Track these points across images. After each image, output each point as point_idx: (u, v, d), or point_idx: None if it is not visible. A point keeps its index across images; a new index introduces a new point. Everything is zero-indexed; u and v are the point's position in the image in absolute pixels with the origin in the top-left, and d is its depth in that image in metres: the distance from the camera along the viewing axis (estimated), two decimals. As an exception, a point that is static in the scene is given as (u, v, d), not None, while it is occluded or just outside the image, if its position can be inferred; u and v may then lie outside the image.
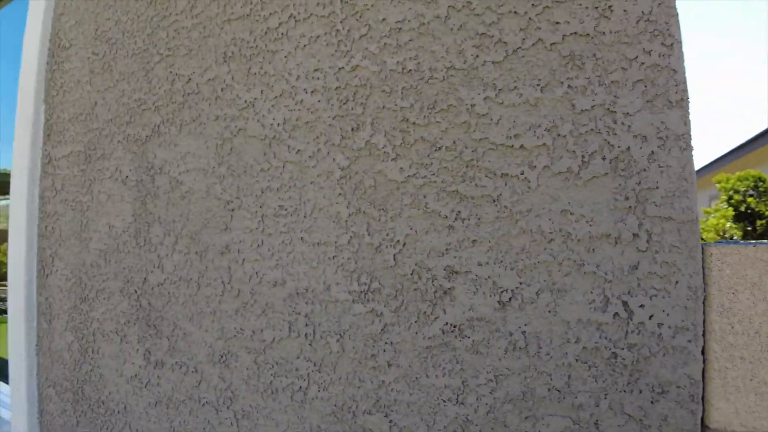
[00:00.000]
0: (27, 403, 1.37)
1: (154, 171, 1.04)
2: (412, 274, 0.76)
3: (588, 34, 0.68)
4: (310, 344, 0.84)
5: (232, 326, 0.91)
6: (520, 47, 0.71)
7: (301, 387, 0.86)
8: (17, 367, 1.39)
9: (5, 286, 2.27)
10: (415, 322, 0.76)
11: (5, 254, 2.47)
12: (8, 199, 2.07)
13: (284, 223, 0.86)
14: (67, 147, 1.27)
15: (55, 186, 1.30)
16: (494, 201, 0.71)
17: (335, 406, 0.83)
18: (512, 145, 0.71)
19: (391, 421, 0.79)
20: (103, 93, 1.19)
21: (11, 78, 1.92)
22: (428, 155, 0.75)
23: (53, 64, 1.39)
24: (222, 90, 0.95)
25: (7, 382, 1.63)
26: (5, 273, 2.20)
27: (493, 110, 0.72)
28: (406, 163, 0.76)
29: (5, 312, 2.16)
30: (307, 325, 0.84)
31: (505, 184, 0.70)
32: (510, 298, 0.71)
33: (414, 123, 0.76)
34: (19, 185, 1.38)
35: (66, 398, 1.27)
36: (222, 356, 0.93)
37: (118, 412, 1.12)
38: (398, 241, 0.77)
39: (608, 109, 0.66)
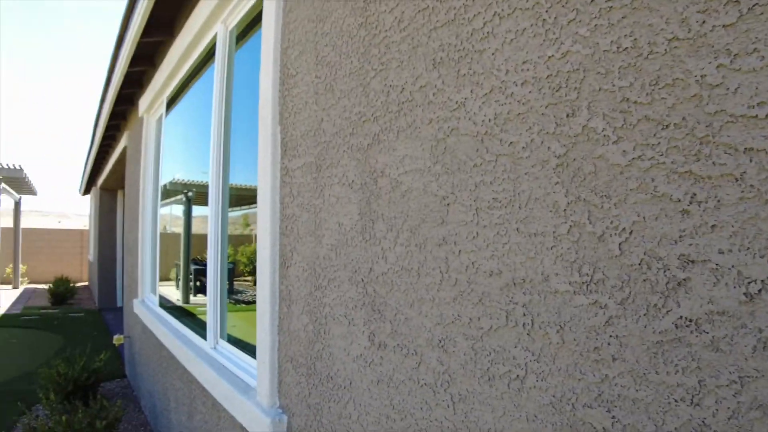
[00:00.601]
0: (269, 374, 1.64)
1: (376, 174, 1.17)
2: (640, 264, 0.73)
3: None
4: (528, 334, 0.86)
5: (450, 313, 0.98)
6: (756, 4, 0.63)
7: (518, 375, 0.88)
8: (263, 344, 1.68)
9: (244, 281, 2.74)
10: (644, 315, 0.73)
11: (243, 255, 2.97)
12: (241, 209, 2.51)
13: (499, 215, 0.89)
14: (301, 159, 1.50)
15: (293, 193, 1.54)
16: (737, 180, 0.65)
17: (553, 397, 0.83)
18: (756, 116, 0.63)
19: (614, 417, 0.76)
20: (328, 110, 1.38)
21: (248, 107, 2.32)
22: (654, 135, 0.71)
23: (284, 91, 1.65)
24: (434, 94, 1.03)
25: (254, 357, 1.97)
26: (242, 271, 2.65)
27: (728, 79, 0.65)
28: (630, 145, 0.74)
29: (243, 302, 2.61)
30: (524, 315, 0.86)
31: (750, 160, 0.64)
32: (760, 290, 0.63)
33: (635, 102, 0.73)
34: (264, 194, 1.67)
35: (301, 372, 1.49)
36: (440, 341, 1.00)
37: (344, 388, 1.28)
38: (624, 228, 0.74)
39: None
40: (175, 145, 3.98)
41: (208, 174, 3.83)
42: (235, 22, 2.43)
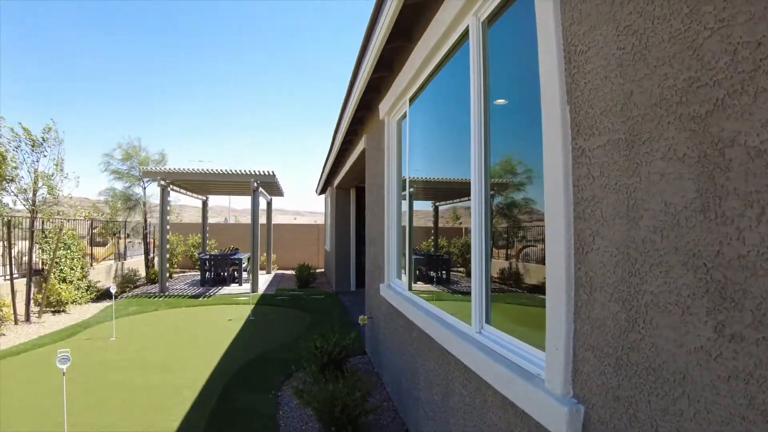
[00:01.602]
0: (563, 363, 1.61)
1: (721, 144, 1.04)
2: None
3: None
4: None
5: None
6: None
7: None
8: (554, 331, 1.65)
9: (457, 271, 2.80)
10: None
11: (454, 246, 3.03)
12: (452, 203, 2.54)
13: None
14: (602, 137, 1.43)
15: (591, 174, 1.48)
16: None
17: None
18: None
19: None
20: (639, 82, 1.28)
21: (500, 95, 2.33)
22: None
23: (571, 69, 1.59)
24: (813, 44, 0.87)
25: (525, 343, 1.97)
26: (455, 261, 2.68)
27: None
28: None
29: (459, 293, 2.65)
30: None
31: None
32: None
33: None
34: (553, 177, 1.64)
35: (606, 362, 1.42)
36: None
37: (674, 382, 1.17)
38: None
39: None
40: (413, 144, 4.24)
41: (419, 172, 3.99)
42: (488, 13, 2.45)
